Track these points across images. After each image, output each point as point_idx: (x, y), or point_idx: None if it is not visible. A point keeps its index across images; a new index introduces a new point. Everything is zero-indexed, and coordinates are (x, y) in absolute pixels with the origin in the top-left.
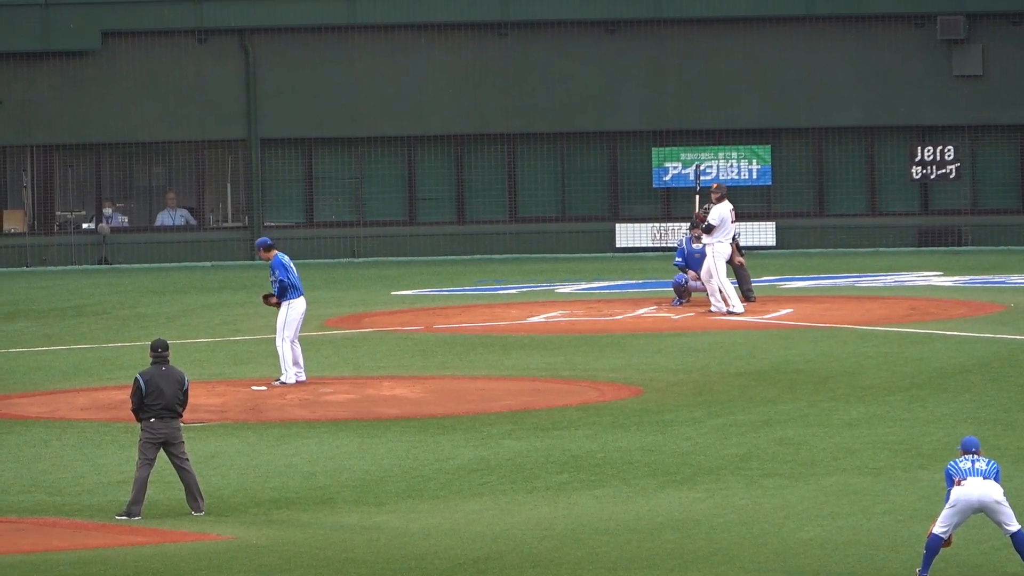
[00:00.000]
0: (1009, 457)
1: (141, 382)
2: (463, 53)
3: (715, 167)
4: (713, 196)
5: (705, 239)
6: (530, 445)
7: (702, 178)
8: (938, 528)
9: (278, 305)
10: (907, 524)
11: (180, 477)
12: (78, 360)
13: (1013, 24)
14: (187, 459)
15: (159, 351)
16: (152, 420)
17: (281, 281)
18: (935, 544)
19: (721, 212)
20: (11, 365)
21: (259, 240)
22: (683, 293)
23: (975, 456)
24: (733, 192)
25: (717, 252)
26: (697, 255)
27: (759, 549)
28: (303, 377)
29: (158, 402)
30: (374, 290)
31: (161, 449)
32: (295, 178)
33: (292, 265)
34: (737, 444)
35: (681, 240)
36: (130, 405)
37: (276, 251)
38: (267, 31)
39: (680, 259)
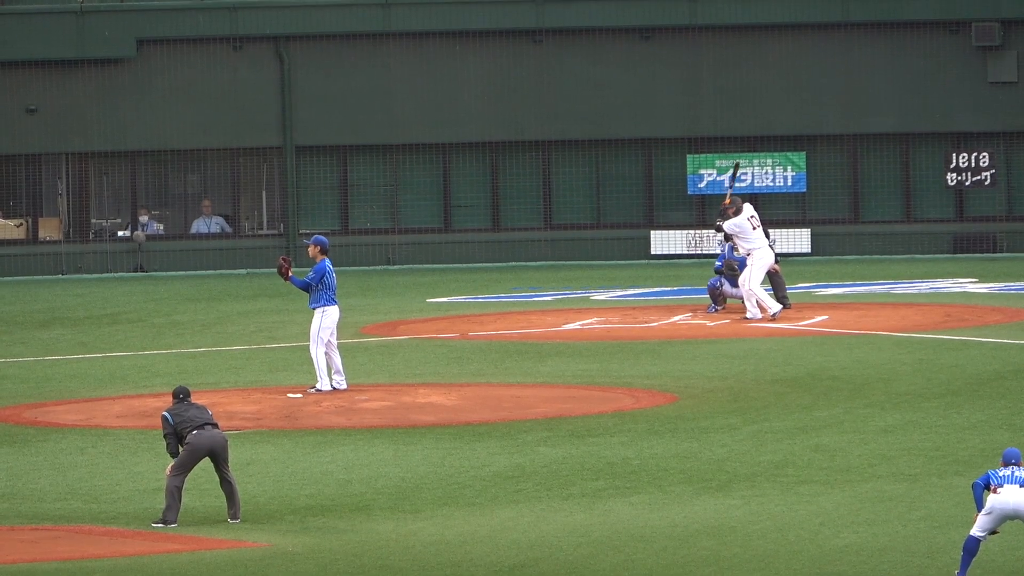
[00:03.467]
0: None
1: (167, 415)
2: (498, 60)
3: (750, 174)
4: (730, 212)
5: (741, 247)
6: (565, 452)
7: (736, 183)
8: (975, 531)
9: (284, 270)
10: (943, 530)
11: (222, 487)
12: (114, 368)
13: None
14: (231, 475)
15: (180, 397)
16: (194, 432)
17: (308, 283)
18: (973, 546)
19: (736, 221)
20: (47, 373)
21: (319, 237)
22: (719, 299)
23: (1016, 467)
24: (768, 199)
25: (757, 259)
26: (737, 264)
27: (795, 556)
28: (343, 385)
29: (190, 425)
30: (409, 297)
31: (206, 461)
32: (330, 185)
33: (333, 274)
34: (772, 451)
35: (724, 248)
36: (166, 447)
37: (326, 257)
38: (302, 38)
39: (720, 263)
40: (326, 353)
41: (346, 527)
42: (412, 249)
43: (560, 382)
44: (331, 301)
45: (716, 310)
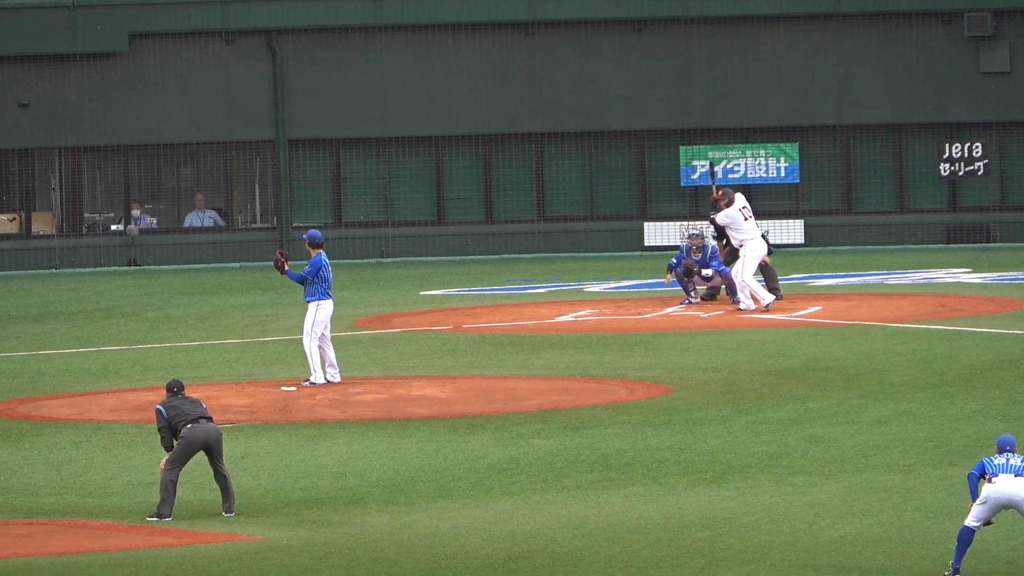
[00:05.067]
0: None
1: (162, 408)
2: (490, 53)
3: (743, 165)
4: (722, 203)
5: (734, 239)
6: (560, 444)
7: (722, 175)
8: (970, 521)
9: (280, 264)
10: (937, 521)
11: (216, 480)
12: (107, 362)
13: None
14: (226, 469)
15: (175, 390)
16: (188, 426)
17: (304, 277)
18: (967, 536)
19: (728, 212)
20: (41, 367)
21: (314, 232)
22: (688, 287)
23: (1010, 454)
24: (761, 190)
25: (749, 250)
26: (696, 266)
27: (789, 547)
28: (337, 378)
29: (185, 418)
30: (403, 290)
31: (200, 455)
32: (323, 179)
33: (329, 268)
34: (767, 442)
35: (681, 248)
36: (160, 441)
37: (321, 250)
38: (294, 32)
39: (677, 261)
40: (319, 346)
41: (341, 520)
42: (405, 242)
43: (554, 374)
44: (326, 295)
45: (692, 301)
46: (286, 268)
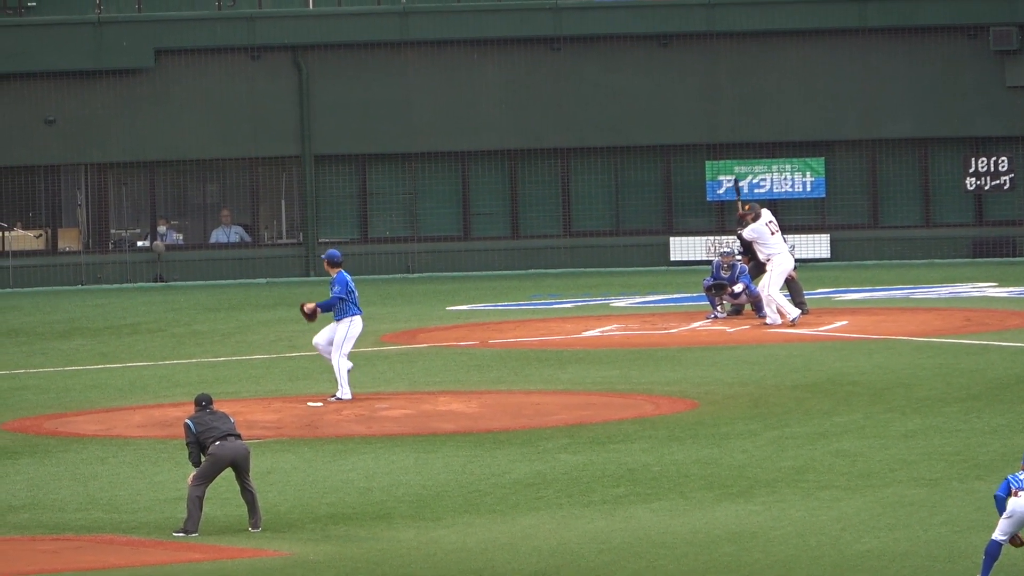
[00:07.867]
0: None
1: (190, 423)
2: (516, 68)
3: (769, 180)
4: (748, 218)
5: (761, 253)
6: (586, 459)
7: (749, 191)
8: (998, 535)
9: (311, 316)
10: (964, 535)
11: (243, 496)
12: (134, 378)
13: None
14: (253, 485)
15: (203, 404)
16: (217, 443)
17: (335, 300)
18: (994, 550)
19: (755, 227)
20: (67, 383)
21: (332, 251)
22: (715, 302)
23: None
24: (787, 204)
25: (776, 265)
26: (727, 283)
27: (816, 561)
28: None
29: (213, 434)
30: (429, 305)
31: (227, 470)
32: (349, 194)
33: (353, 284)
34: (793, 456)
35: (713, 263)
36: (188, 455)
37: (341, 268)
38: (320, 48)
39: (710, 281)
40: (329, 356)
41: (367, 535)
42: (431, 257)
43: (580, 389)
44: (358, 311)
45: (718, 316)
46: (315, 308)
